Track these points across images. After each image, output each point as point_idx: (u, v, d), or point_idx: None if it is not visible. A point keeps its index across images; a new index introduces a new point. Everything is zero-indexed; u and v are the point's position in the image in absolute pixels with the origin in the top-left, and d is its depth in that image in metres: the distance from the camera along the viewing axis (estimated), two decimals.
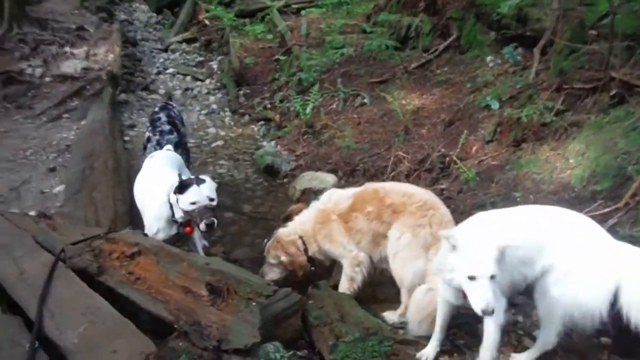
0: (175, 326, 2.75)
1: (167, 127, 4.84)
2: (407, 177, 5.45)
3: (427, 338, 3.32)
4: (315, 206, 3.87)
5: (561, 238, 2.77)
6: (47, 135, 6.82)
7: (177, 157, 4.43)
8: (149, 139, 4.84)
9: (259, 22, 10.81)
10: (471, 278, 2.46)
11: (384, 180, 5.48)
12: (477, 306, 2.43)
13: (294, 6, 10.82)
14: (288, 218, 4.36)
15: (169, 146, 4.51)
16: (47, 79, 8.75)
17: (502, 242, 2.50)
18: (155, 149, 4.61)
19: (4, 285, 3.20)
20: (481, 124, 5.62)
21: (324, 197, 3.88)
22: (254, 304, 2.85)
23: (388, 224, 3.61)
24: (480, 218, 2.96)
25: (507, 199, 4.67)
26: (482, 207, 4.74)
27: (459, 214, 4.87)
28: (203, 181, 3.72)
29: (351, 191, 3.85)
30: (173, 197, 3.73)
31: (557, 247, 2.74)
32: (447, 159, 5.40)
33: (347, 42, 7.86)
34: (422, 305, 3.39)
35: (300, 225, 3.88)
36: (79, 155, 5.84)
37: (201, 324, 2.75)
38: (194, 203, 3.62)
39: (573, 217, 2.88)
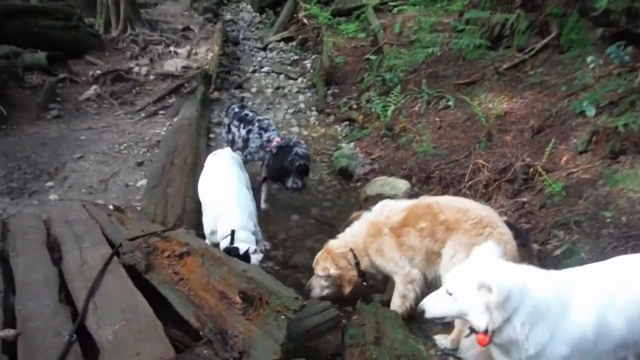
0: (201, 333, 2.74)
1: (265, 122, 5.18)
2: (486, 187, 5.08)
3: None
4: (367, 218, 3.69)
5: None
6: (142, 131, 7.26)
7: (237, 156, 4.51)
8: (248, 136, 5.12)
9: (353, 20, 10.72)
10: None
11: (460, 190, 5.18)
12: None
13: (390, 4, 10.57)
14: (349, 225, 4.24)
15: (227, 147, 4.60)
16: (151, 77, 9.38)
17: None
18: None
19: (65, 275, 3.41)
20: (574, 132, 5.06)
21: (376, 208, 3.69)
22: (282, 317, 2.77)
23: (442, 242, 3.36)
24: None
25: (594, 219, 4.16)
26: (565, 225, 4.28)
27: (539, 231, 4.47)
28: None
29: (405, 204, 3.62)
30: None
31: None
32: (532, 169, 4.93)
33: (436, 41, 7.49)
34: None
35: (352, 237, 3.72)
36: (164, 151, 6.12)
37: (227, 334, 2.72)
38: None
39: None
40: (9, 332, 2.80)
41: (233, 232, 3.72)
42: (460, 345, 3.29)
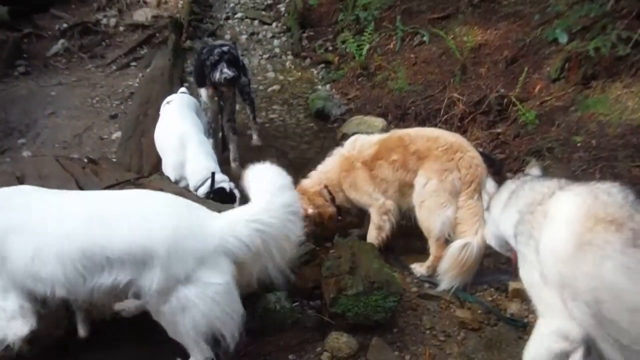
0: None
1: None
2: (461, 121, 5.11)
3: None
4: (339, 153, 3.70)
5: None
6: (114, 84, 7.10)
7: (192, 100, 4.44)
8: None
9: None
10: None
11: (436, 125, 5.17)
12: None
13: None
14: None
15: (184, 89, 4.53)
16: (121, 28, 9.06)
17: None
18: None
19: None
20: (547, 60, 5.05)
21: (347, 143, 3.70)
22: None
23: (414, 172, 3.40)
24: None
25: (565, 144, 4.22)
26: (538, 152, 4.34)
27: (513, 160, 4.53)
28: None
29: (376, 138, 3.63)
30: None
31: None
32: (506, 100, 4.95)
33: None
34: (458, 260, 3.19)
35: (325, 174, 3.73)
36: (137, 102, 6.03)
37: None
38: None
39: None
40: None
41: (213, 174, 3.75)
42: (438, 271, 3.36)
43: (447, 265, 3.25)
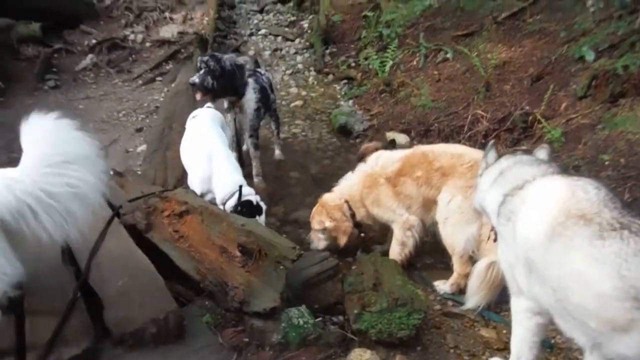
0: (202, 286, 2.79)
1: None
2: (485, 137, 5.08)
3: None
4: (362, 169, 3.69)
5: None
6: (140, 98, 7.24)
7: (217, 114, 4.47)
8: None
9: None
10: None
11: (459, 141, 5.15)
12: None
13: None
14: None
15: (209, 104, 4.56)
16: (147, 44, 9.29)
17: None
18: None
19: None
20: (573, 78, 5.01)
21: (371, 159, 3.69)
22: (281, 267, 2.81)
23: (438, 189, 3.37)
24: None
25: (592, 163, 4.16)
26: (564, 170, 4.27)
27: None
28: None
29: (399, 154, 3.61)
30: None
31: None
32: (531, 117, 4.92)
33: None
34: (485, 280, 3.14)
35: (347, 189, 3.73)
36: (162, 116, 6.12)
37: (227, 285, 2.77)
38: None
39: None
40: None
41: (241, 187, 3.78)
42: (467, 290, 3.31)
43: (474, 285, 3.18)
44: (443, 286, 3.45)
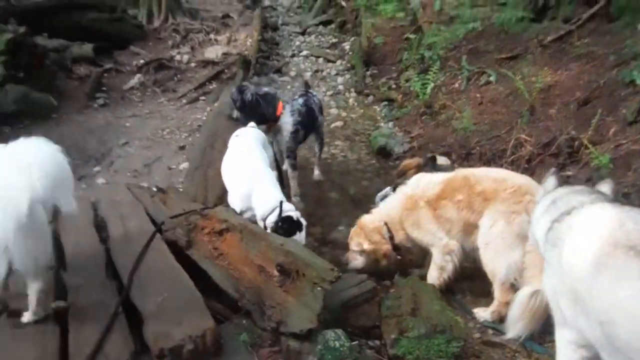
0: (239, 304, 2.81)
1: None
2: (529, 162, 4.96)
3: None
4: (403, 191, 3.66)
5: None
6: (184, 116, 7.43)
7: (260, 134, 4.52)
8: None
9: (392, 0, 10.55)
10: None
11: (501, 166, 5.05)
12: None
13: None
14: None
15: (252, 123, 4.62)
16: (192, 65, 9.57)
17: None
18: None
19: (111, 252, 3.55)
20: (623, 102, 4.83)
21: (412, 182, 3.66)
22: (319, 288, 2.80)
23: (479, 213, 3.31)
24: None
25: None
26: (615, 199, 4.12)
27: None
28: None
29: (441, 177, 3.57)
30: None
31: None
32: (577, 142, 4.76)
33: (476, 16, 7.30)
34: (528, 309, 3.04)
35: (387, 211, 3.71)
36: (205, 135, 6.24)
37: (265, 304, 2.77)
38: None
39: None
40: (60, 304, 2.94)
41: (281, 203, 3.81)
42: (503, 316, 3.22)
43: (516, 314, 3.08)
44: (483, 313, 3.36)
